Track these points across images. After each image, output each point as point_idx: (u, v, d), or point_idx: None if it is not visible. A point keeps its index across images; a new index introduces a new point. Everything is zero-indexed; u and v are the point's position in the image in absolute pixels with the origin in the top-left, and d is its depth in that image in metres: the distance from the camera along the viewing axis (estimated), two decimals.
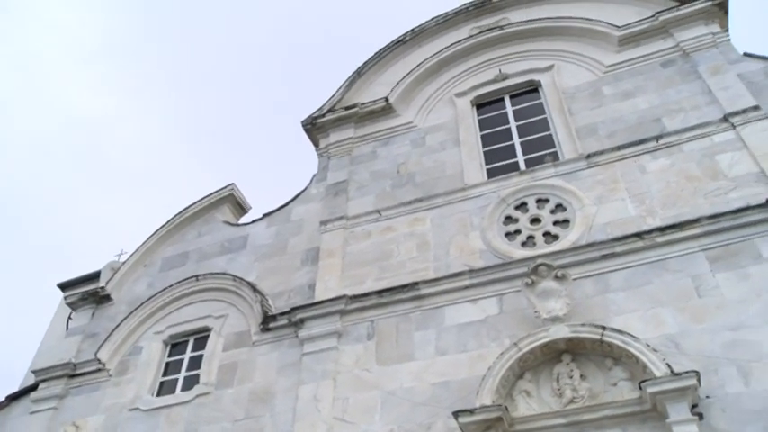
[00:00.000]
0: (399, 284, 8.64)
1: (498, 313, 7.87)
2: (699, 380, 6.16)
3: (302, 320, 8.77)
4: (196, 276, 10.34)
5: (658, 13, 10.51)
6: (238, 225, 11.34)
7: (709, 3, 10.27)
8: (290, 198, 11.06)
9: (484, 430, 6.59)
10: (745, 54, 9.56)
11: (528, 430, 6.68)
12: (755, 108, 8.58)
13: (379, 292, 8.63)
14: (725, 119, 8.66)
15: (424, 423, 7.20)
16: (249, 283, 9.75)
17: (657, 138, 8.88)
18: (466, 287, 8.26)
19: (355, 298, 8.72)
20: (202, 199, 11.74)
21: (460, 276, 8.35)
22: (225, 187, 11.84)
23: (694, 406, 6.11)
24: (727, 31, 10.13)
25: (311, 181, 11.22)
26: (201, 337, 9.66)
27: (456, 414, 6.74)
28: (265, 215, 11.05)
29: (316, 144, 11.99)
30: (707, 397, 6.22)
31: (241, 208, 12.00)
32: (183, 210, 11.68)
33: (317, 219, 10.33)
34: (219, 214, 11.60)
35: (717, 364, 6.44)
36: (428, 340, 7.98)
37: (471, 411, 6.68)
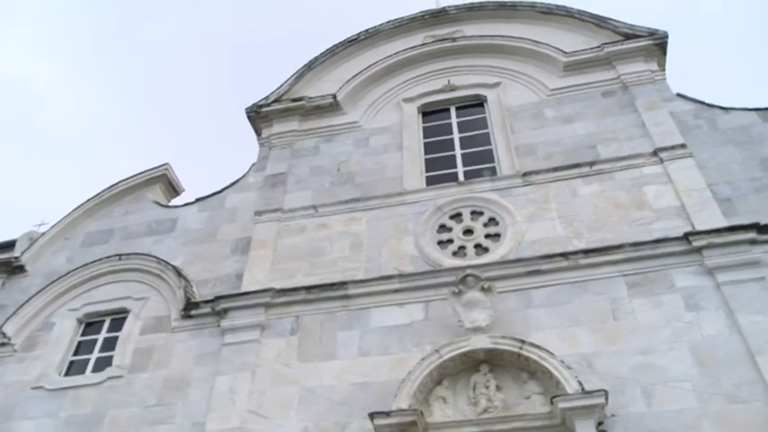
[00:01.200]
0: (328, 282, 8.61)
1: (423, 319, 7.96)
2: (606, 399, 6.43)
3: (226, 310, 8.61)
4: (119, 255, 9.98)
5: (604, 44, 10.92)
6: (169, 207, 11.03)
7: (650, 42, 10.75)
8: (225, 185, 10.84)
9: None
10: (678, 94, 10.06)
11: None
12: (682, 146, 9.03)
13: (308, 288, 8.57)
14: (655, 153, 9.07)
15: (340, 422, 7.20)
16: (174, 268, 9.49)
17: (591, 164, 9.21)
18: (394, 291, 8.31)
19: (283, 292, 8.63)
20: (134, 176, 11.35)
21: (390, 280, 8.40)
22: (159, 166, 11.48)
23: (600, 423, 6.38)
24: (664, 70, 10.64)
25: (249, 169, 11.04)
26: (119, 318, 9.32)
27: (372, 415, 6.77)
28: (198, 199, 10.79)
29: (258, 133, 11.81)
30: (612, 415, 6.49)
31: (174, 190, 11.67)
32: (113, 185, 11.25)
33: (252, 208, 10.17)
34: (151, 194, 11.24)
35: (624, 385, 6.74)
36: (352, 340, 7.98)
37: (387, 414, 6.73)
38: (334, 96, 11.57)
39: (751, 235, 7.60)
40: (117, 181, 11.28)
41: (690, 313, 7.21)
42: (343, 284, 8.49)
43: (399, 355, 7.66)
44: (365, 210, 9.61)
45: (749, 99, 9.48)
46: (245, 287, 8.92)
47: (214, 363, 8.19)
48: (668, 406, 6.51)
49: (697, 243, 7.67)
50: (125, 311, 9.32)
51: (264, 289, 8.67)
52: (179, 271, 9.43)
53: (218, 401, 7.71)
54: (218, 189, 10.81)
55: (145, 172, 11.40)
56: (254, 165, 11.12)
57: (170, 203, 11.28)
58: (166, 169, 11.46)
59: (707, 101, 9.79)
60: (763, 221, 7.75)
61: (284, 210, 9.98)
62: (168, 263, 9.59)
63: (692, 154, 8.93)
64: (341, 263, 8.96)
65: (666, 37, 10.71)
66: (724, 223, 7.90)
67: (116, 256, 9.99)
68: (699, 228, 7.90)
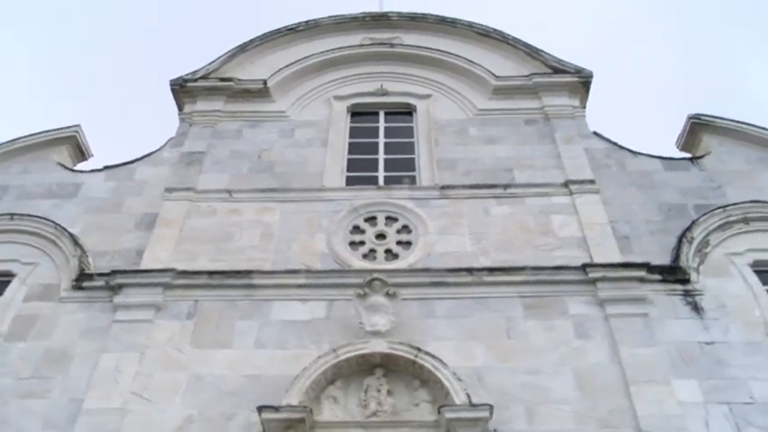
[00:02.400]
0: (233, 269, 8.43)
1: (325, 317, 7.95)
2: (491, 413, 6.64)
3: (121, 286, 8.24)
4: (11, 215, 9.33)
5: (533, 74, 11.35)
6: (74, 171, 10.43)
7: (576, 79, 11.28)
8: (137, 156, 10.40)
9: (284, 429, 6.59)
10: (594, 132, 10.60)
11: None
12: (591, 182, 9.52)
13: (211, 273, 8.36)
14: (565, 184, 9.51)
15: (227, 413, 7.05)
16: (71, 235, 8.98)
17: (506, 186, 9.54)
18: (300, 286, 8.25)
19: (184, 274, 8.36)
20: (39, 133, 10.63)
21: (297, 274, 8.33)
22: (68, 127, 10.82)
23: None
24: (584, 107, 11.18)
25: (165, 144, 10.63)
26: (2, 281, 8.70)
27: (260, 409, 6.67)
28: (107, 167, 10.28)
29: (180, 107, 11.41)
30: (494, 430, 6.72)
31: (82, 155, 11.02)
32: (14, 140, 10.49)
33: (163, 184, 9.80)
34: (56, 155, 10.57)
35: (510, 402, 7.00)
36: (250, 331, 7.84)
37: (276, 409, 6.66)
38: (265, 82, 11.37)
39: (641, 273, 8.11)
40: (19, 136, 10.54)
41: (578, 340, 7.59)
42: (248, 273, 8.33)
43: (296, 350, 7.60)
44: (281, 201, 9.49)
45: (659, 146, 10.19)
46: (145, 264, 8.58)
47: (101, 339, 7.81)
48: (547, 425, 6.82)
49: (593, 274, 8.10)
50: (10, 275, 8.72)
51: (165, 269, 8.37)
52: (75, 239, 8.94)
53: (101, 379, 7.36)
54: (130, 160, 10.35)
55: (52, 131, 10.73)
56: (171, 140, 10.73)
57: (76, 168, 10.66)
58: (76, 131, 10.82)
59: (620, 143, 10.37)
60: (653, 262, 8.28)
61: (197, 190, 9.68)
62: (65, 229, 9.07)
63: (598, 190, 9.42)
64: (249, 251, 8.80)
65: (591, 77, 11.26)
66: (619, 259, 8.38)
67: (8, 215, 9.33)
68: (596, 260, 8.34)
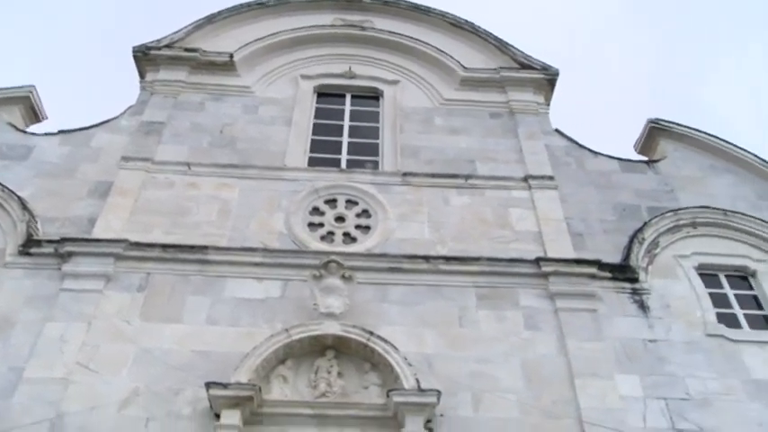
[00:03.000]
0: (188, 244, 8.30)
1: (279, 297, 7.91)
2: (439, 399, 6.74)
3: (70, 254, 8.02)
4: None
5: (501, 68, 11.43)
6: (26, 133, 10.05)
7: (542, 76, 11.41)
8: (94, 122, 10.09)
9: (231, 406, 6.54)
10: (556, 130, 10.77)
11: (274, 414, 6.77)
12: (551, 178, 9.68)
13: (165, 246, 8.21)
14: (525, 179, 9.65)
15: (174, 388, 6.96)
16: (19, 199, 8.68)
17: (467, 177, 9.62)
18: (256, 264, 8.18)
19: (137, 245, 8.19)
20: None
21: (254, 252, 8.25)
22: (22, 87, 10.40)
23: (428, 421, 6.68)
24: (548, 104, 11.33)
25: (124, 112, 10.34)
26: None
27: (208, 385, 6.62)
28: (61, 131, 9.95)
29: (142, 75, 11.10)
30: (441, 415, 6.82)
31: (36, 117, 10.62)
32: None
33: (120, 153, 9.55)
34: (6, 115, 10.16)
35: (457, 389, 7.10)
36: (201, 307, 7.74)
37: (224, 386, 6.61)
38: (231, 56, 11.15)
39: (593, 270, 8.32)
40: None
41: (527, 331, 7.75)
42: (203, 248, 8.22)
43: (248, 328, 7.55)
44: (241, 178, 9.36)
45: (617, 148, 10.46)
46: (97, 233, 8.37)
47: (47, 307, 7.59)
48: (493, 413, 6.96)
49: (545, 269, 8.26)
50: None
51: (118, 239, 8.18)
52: (24, 203, 8.64)
53: (44, 348, 7.16)
54: (86, 125, 10.04)
55: (3, 89, 10.30)
56: (130, 107, 10.44)
57: (28, 130, 10.27)
58: (30, 92, 10.41)
59: (580, 142, 10.57)
60: (605, 260, 8.50)
61: (155, 161, 9.47)
62: (13, 192, 8.76)
63: (557, 186, 9.59)
64: (205, 227, 8.67)
65: (557, 74, 11.41)
66: (572, 255, 8.56)
67: None
68: (550, 255, 8.51)
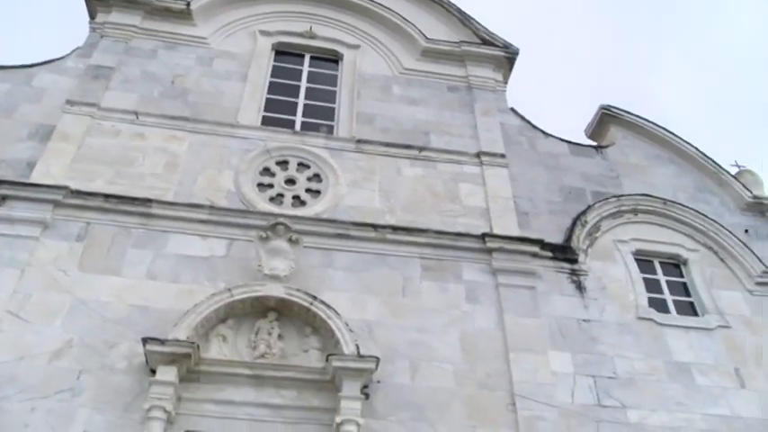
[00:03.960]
0: (132, 196, 8.07)
1: (224, 256, 7.81)
2: (377, 365, 6.84)
3: (5, 197, 7.69)
4: None
5: (463, 42, 11.40)
6: None
7: (503, 53, 11.44)
8: (37, 61, 9.59)
9: (168, 363, 6.48)
10: (511, 108, 10.87)
11: (212, 372, 6.74)
12: (502, 156, 9.80)
13: (107, 197, 7.96)
14: (477, 155, 9.73)
15: (109, 341, 6.83)
16: None
17: (421, 149, 9.63)
18: (201, 221, 8.04)
19: (78, 193, 7.91)
20: None
21: (200, 209, 8.10)
22: None
23: (365, 386, 6.78)
24: (506, 83, 11.39)
25: (71, 53, 9.87)
26: None
27: (145, 340, 6.52)
28: (1, 68, 9.43)
29: (92, 16, 10.57)
30: (378, 381, 6.94)
31: None
32: None
33: (64, 95, 9.13)
34: None
35: (396, 357, 7.23)
36: (142, 261, 7.58)
37: (162, 342, 6.53)
38: (188, 4, 10.73)
39: (535, 249, 8.52)
40: None
41: (468, 304, 7.91)
42: (147, 201, 8.01)
43: (189, 286, 7.44)
44: (191, 132, 9.12)
45: (567, 131, 10.63)
46: (36, 178, 8.03)
47: None
48: (428, 382, 7.12)
49: (490, 244, 8.42)
50: None
51: (57, 185, 7.88)
52: None
53: None
54: (29, 63, 9.54)
55: None
56: (77, 49, 9.96)
57: None
58: None
59: (533, 122, 10.71)
60: (547, 239, 8.71)
61: (101, 107, 9.10)
62: None
63: (508, 165, 9.72)
64: (150, 179, 8.43)
65: (517, 53, 11.46)
66: (517, 233, 8.74)
67: None
68: (495, 231, 8.66)
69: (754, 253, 9.41)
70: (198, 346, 6.67)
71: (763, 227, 10.06)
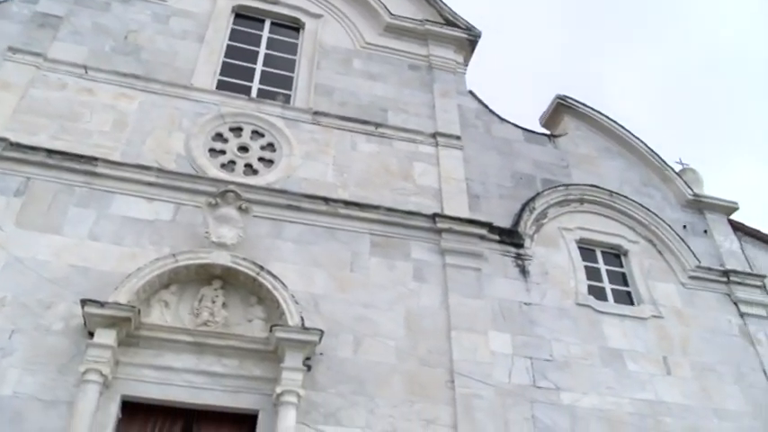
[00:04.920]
0: (77, 153, 7.78)
1: (170, 220, 7.65)
2: (321, 338, 6.87)
3: None
4: None
5: (427, 21, 11.34)
6: None
7: (465, 36, 11.45)
8: None
9: (107, 326, 6.34)
10: (470, 91, 10.93)
11: (152, 337, 6.63)
12: (458, 138, 9.86)
13: (50, 152, 7.66)
14: (433, 135, 9.76)
15: (45, 301, 6.63)
16: None
17: (377, 125, 9.60)
18: (148, 183, 7.83)
19: (18, 147, 7.58)
20: None
21: (147, 171, 7.89)
22: None
23: (308, 358, 6.80)
24: (466, 65, 11.42)
25: None
26: None
27: (84, 302, 6.35)
28: None
29: None
30: (321, 354, 6.97)
31: None
32: None
33: (7, 42, 8.67)
34: None
35: (340, 330, 7.27)
36: (85, 220, 7.35)
37: (102, 304, 6.37)
38: None
39: (483, 231, 8.66)
40: None
41: (414, 282, 8.00)
42: (93, 160, 7.74)
43: (133, 249, 7.27)
44: (142, 91, 8.83)
45: (522, 117, 10.78)
46: None
47: None
48: (370, 357, 7.20)
49: (440, 225, 8.51)
50: None
51: None
52: None
53: None
54: None
55: None
56: None
57: None
58: None
59: (491, 106, 10.80)
60: (496, 223, 8.86)
61: (47, 57, 8.70)
62: None
63: (462, 147, 9.79)
64: (97, 137, 8.15)
65: (479, 36, 11.49)
66: (467, 215, 8.85)
67: None
68: (446, 212, 8.74)
69: (689, 248, 9.81)
70: (139, 311, 6.54)
71: (700, 224, 10.49)
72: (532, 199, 9.50)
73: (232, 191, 7.66)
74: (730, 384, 8.50)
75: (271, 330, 6.76)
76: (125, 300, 6.53)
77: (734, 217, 10.84)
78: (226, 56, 9.94)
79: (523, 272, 8.65)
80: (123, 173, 7.80)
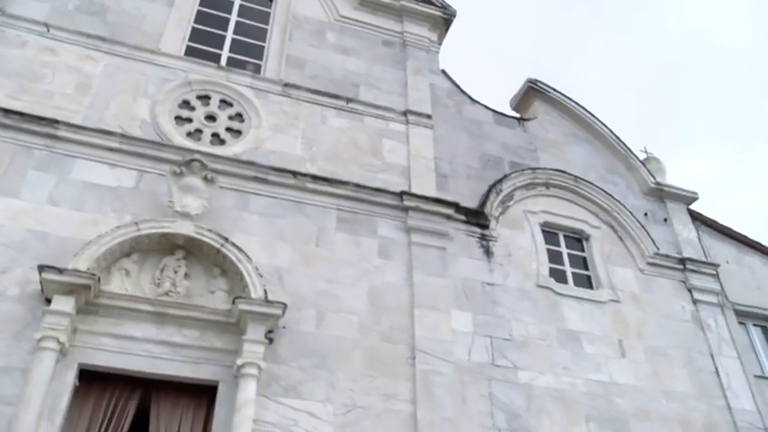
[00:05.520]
0: (37, 114, 7.54)
1: (133, 188, 7.49)
2: (284, 312, 6.86)
3: None
4: None
5: None
6: None
7: (440, 14, 11.38)
8: None
9: (65, 293, 6.21)
10: (443, 71, 10.90)
11: (111, 306, 6.53)
12: (428, 117, 9.85)
13: (7, 112, 7.40)
14: (404, 113, 9.73)
15: (1, 266, 6.45)
16: None
17: (348, 100, 9.52)
18: (111, 149, 7.65)
19: None
20: None
21: (111, 136, 7.69)
22: None
23: (270, 331, 6.79)
24: (440, 44, 11.37)
25: None
26: None
27: (41, 268, 6.20)
28: None
29: None
30: (283, 327, 6.97)
31: None
32: None
33: None
34: None
35: (303, 305, 7.26)
36: (44, 185, 7.15)
37: (60, 270, 6.23)
38: None
39: (450, 211, 8.71)
40: None
41: (379, 259, 8.03)
42: (54, 122, 7.51)
43: (94, 215, 7.11)
44: (108, 53, 8.57)
45: (492, 100, 10.81)
46: None
47: None
48: (333, 331, 7.22)
49: (407, 203, 8.53)
50: None
51: None
52: None
53: None
54: None
55: None
56: None
57: None
58: None
59: (463, 86, 10.80)
60: (462, 203, 8.92)
61: (6, 12, 8.35)
62: None
63: (432, 126, 9.79)
64: (59, 98, 7.90)
65: (454, 15, 11.44)
66: (434, 194, 8.88)
67: None
68: (414, 190, 8.76)
69: (649, 235, 10.04)
70: (99, 279, 6.42)
71: (661, 212, 10.74)
72: (500, 181, 9.58)
73: (198, 160, 7.52)
74: (680, 368, 8.79)
75: (233, 303, 6.72)
76: (85, 267, 6.40)
77: (693, 207, 11.12)
78: (196, 21, 9.70)
79: (487, 252, 8.76)
80: (85, 137, 7.59)
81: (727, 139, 37.33)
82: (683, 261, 9.97)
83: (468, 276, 8.38)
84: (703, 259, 10.23)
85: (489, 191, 9.38)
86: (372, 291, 7.72)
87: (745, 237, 11.38)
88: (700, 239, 10.63)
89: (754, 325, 10.56)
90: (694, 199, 11.07)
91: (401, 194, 8.56)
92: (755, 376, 9.58)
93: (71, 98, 7.96)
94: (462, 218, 8.83)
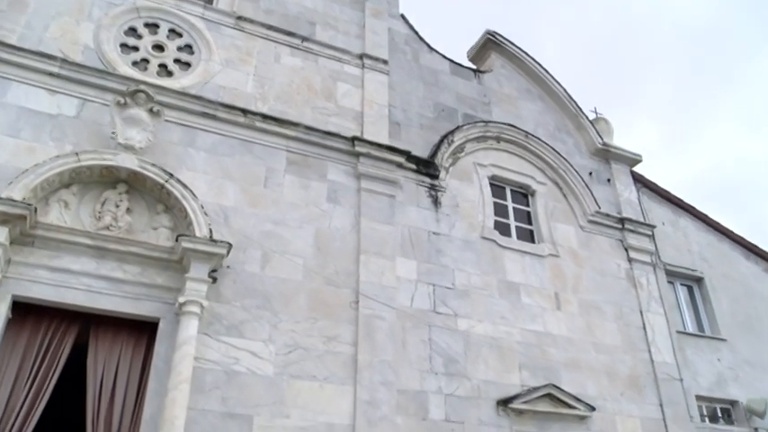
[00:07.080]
0: None
1: (74, 116, 7.16)
2: (228, 251, 6.80)
3: None
4: None
5: None
6: None
7: None
8: None
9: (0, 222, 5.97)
10: (402, 15, 10.68)
11: (48, 238, 6.32)
12: (385, 62, 9.70)
13: None
14: (360, 57, 9.54)
15: None
16: None
17: (304, 39, 9.25)
18: (50, 74, 7.25)
19: None
20: None
21: (50, 60, 7.28)
22: None
23: (214, 271, 6.73)
24: None
25: None
26: None
27: None
28: None
29: None
30: (228, 267, 6.92)
31: None
32: None
33: None
34: None
35: (249, 245, 7.21)
36: None
37: None
38: None
39: (401, 159, 8.71)
40: None
41: (328, 204, 8.00)
42: None
43: (31, 143, 6.79)
44: None
45: (450, 49, 10.68)
46: None
47: None
48: (278, 273, 7.22)
49: (359, 149, 8.47)
50: None
51: None
52: None
53: None
54: None
55: None
56: None
57: None
58: None
59: (421, 33, 10.63)
60: (414, 152, 8.92)
61: None
62: None
63: (388, 72, 9.66)
64: None
65: None
66: (386, 141, 8.84)
67: None
68: (366, 136, 8.69)
69: (592, 194, 10.33)
70: (35, 209, 6.19)
71: (605, 172, 11.03)
72: (452, 132, 9.60)
73: (143, 91, 7.20)
74: (610, 322, 9.23)
75: (177, 240, 6.60)
76: (20, 196, 6.15)
77: (636, 169, 11.47)
78: None
79: (435, 202, 8.84)
80: (22, 59, 7.16)
81: (672, 104, 38.34)
82: (622, 221, 10.33)
83: (415, 225, 8.47)
84: (641, 220, 10.62)
85: (441, 141, 9.40)
86: (319, 234, 7.72)
87: (682, 201, 11.88)
88: (640, 201, 11.01)
89: (682, 284, 11.16)
90: (638, 161, 11.40)
91: (353, 140, 8.49)
92: (678, 332, 10.19)
93: (5, 15, 7.45)
94: (413, 167, 8.85)
